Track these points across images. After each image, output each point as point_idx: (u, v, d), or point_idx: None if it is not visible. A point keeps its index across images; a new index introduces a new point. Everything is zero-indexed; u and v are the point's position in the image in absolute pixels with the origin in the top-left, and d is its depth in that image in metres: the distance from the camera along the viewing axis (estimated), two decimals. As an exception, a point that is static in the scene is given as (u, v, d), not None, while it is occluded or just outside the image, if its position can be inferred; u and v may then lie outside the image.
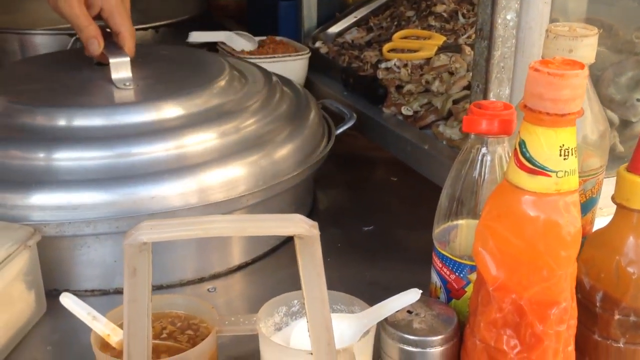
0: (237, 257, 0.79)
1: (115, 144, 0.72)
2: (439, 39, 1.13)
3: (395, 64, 1.08)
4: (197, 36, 1.19)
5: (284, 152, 0.80)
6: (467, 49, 1.04)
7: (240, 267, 0.79)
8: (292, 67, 1.20)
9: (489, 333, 0.49)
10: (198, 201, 0.70)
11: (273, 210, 0.80)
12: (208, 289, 0.74)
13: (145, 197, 0.69)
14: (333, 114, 1.02)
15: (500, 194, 0.48)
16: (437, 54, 1.08)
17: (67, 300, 0.51)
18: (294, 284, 0.76)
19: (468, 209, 0.56)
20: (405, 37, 1.18)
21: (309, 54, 1.18)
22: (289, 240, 0.88)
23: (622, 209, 0.51)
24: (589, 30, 0.55)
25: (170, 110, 0.77)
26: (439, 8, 1.22)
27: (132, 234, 0.42)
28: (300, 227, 0.43)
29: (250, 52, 1.19)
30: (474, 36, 0.86)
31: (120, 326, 0.52)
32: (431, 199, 1.00)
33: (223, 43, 1.21)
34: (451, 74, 0.99)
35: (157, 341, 0.52)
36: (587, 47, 0.54)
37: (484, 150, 0.54)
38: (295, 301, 0.57)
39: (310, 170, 0.83)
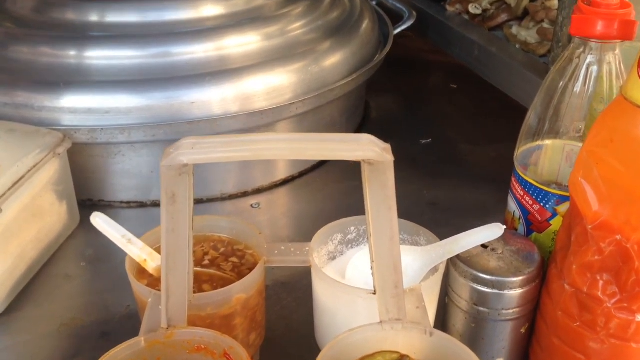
0: (282, 170, 0.72)
1: (150, 43, 0.64)
2: None
3: (462, -45, 0.95)
4: None
5: (334, 59, 0.71)
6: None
7: (286, 181, 0.72)
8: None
9: (582, 278, 0.42)
10: (240, 109, 0.63)
11: (323, 120, 0.73)
12: (252, 205, 0.68)
13: (184, 103, 0.61)
14: (390, 12, 0.92)
15: (613, 114, 0.40)
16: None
17: (99, 221, 0.45)
18: (344, 200, 0.70)
19: (561, 128, 0.48)
20: None
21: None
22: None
23: None
24: None
25: (209, 9, 0.68)
26: None
27: (171, 153, 0.35)
28: (370, 150, 0.35)
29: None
30: None
31: (158, 250, 0.47)
32: (497, 110, 0.91)
33: None
34: (529, -34, 0.86)
35: (198, 268, 0.46)
36: None
37: (590, 58, 0.44)
38: (352, 228, 0.50)
39: (365, 76, 0.74)
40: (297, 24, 0.71)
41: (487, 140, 0.81)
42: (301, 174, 0.74)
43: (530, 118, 0.49)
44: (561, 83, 0.46)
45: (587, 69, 0.45)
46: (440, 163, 0.78)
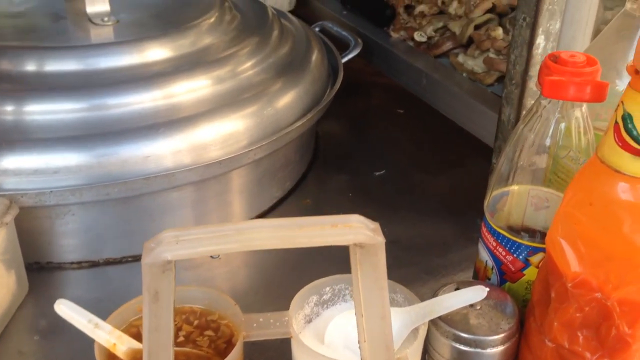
0: (238, 214, 0.70)
1: (95, 94, 0.60)
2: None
3: (403, -20, 0.95)
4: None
5: (288, 98, 0.69)
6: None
7: (243, 225, 0.70)
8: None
9: (562, 334, 0.43)
10: (196, 160, 0.60)
11: (278, 162, 0.71)
12: (211, 256, 0.65)
13: (138, 157, 0.58)
14: (334, 40, 0.91)
15: (590, 177, 0.40)
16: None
17: (63, 308, 0.42)
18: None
19: (530, 177, 0.48)
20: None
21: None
22: (295, 189, 0.79)
23: None
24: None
25: (155, 52, 0.65)
26: None
27: (153, 249, 0.33)
28: (361, 233, 0.34)
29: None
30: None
31: (126, 331, 0.44)
32: (445, 137, 0.92)
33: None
34: (471, -6, 0.87)
35: (175, 348, 0.44)
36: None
37: (558, 114, 0.45)
38: (327, 288, 0.49)
39: (319, 114, 0.73)
40: (248, 64, 0.69)
41: (439, 169, 0.82)
42: (258, 217, 0.72)
43: (501, 168, 0.49)
44: (530, 136, 0.46)
45: (556, 124, 0.45)
46: (395, 195, 0.77)
